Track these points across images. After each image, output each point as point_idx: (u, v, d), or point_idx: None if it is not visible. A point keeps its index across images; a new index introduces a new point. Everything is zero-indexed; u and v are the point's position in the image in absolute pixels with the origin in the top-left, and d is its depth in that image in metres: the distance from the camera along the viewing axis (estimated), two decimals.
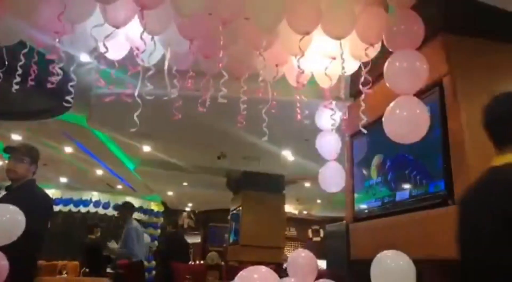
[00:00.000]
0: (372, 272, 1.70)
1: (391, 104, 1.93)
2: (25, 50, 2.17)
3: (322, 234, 13.72)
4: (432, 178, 2.18)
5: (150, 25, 1.95)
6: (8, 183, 2.72)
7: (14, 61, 2.17)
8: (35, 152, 2.87)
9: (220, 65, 2.15)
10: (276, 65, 2.41)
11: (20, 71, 2.16)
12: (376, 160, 2.78)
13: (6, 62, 2.20)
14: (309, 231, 14.28)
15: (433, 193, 2.16)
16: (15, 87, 2.15)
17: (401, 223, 2.37)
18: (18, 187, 2.66)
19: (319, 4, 2.03)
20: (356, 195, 3.02)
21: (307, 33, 2.03)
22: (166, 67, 2.33)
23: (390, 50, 2.03)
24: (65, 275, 7.20)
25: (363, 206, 2.89)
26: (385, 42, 2.06)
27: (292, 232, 14.03)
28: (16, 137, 6.51)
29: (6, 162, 2.74)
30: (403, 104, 1.92)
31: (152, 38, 2.06)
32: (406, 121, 1.90)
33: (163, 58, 2.35)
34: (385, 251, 1.71)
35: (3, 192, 2.71)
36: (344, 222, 3.24)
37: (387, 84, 2.00)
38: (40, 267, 6.16)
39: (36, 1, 1.95)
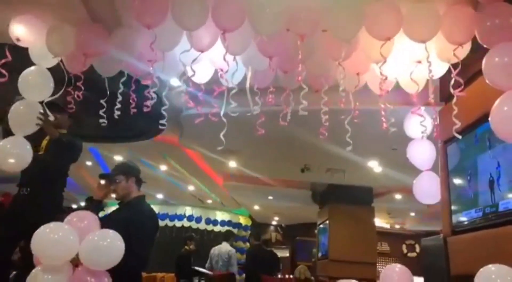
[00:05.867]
0: None
1: (497, 102, 1.78)
2: (123, 79, 2.42)
3: (418, 250, 12.82)
4: None
5: (231, 47, 2.06)
6: None
7: (114, 89, 2.43)
8: (125, 166, 2.93)
9: (300, 78, 2.18)
10: (357, 74, 2.37)
11: (120, 98, 2.41)
12: (474, 167, 2.56)
13: (108, 92, 2.48)
14: (403, 246, 13.45)
15: None
16: (117, 113, 2.40)
17: (506, 235, 2.14)
18: (127, 203, 2.79)
19: (399, 8, 1.97)
20: (453, 206, 2.80)
21: (389, 38, 1.98)
22: (248, 85, 2.43)
23: (485, 46, 1.89)
24: None
25: (462, 218, 2.66)
26: (479, 39, 1.93)
27: (384, 247, 13.33)
28: (118, 158, 7.19)
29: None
30: (510, 101, 1.76)
31: (234, 58, 2.17)
32: None
33: (245, 77, 2.46)
34: (489, 265, 1.56)
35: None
36: (441, 235, 3.02)
37: (487, 81, 1.86)
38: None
39: (132, 33, 2.18)
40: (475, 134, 2.49)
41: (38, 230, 2.00)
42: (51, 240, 1.98)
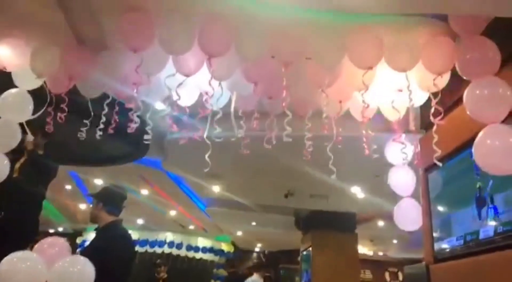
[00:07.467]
0: None
1: (480, 135, 1.81)
2: (108, 100, 2.40)
3: (401, 277, 12.76)
4: None
5: (217, 72, 2.08)
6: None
7: (97, 111, 2.40)
8: (103, 191, 2.91)
9: (284, 105, 2.20)
10: (340, 101, 2.40)
11: (103, 119, 2.38)
12: (454, 194, 2.59)
13: (92, 113, 2.44)
14: (386, 274, 13.38)
15: None
16: (99, 133, 2.36)
17: (487, 263, 2.15)
18: (100, 229, 2.75)
19: (381, 38, 2.03)
20: (435, 234, 2.81)
21: (370, 67, 2.03)
22: (232, 109, 2.43)
23: (465, 78, 1.94)
24: None
25: (444, 245, 2.67)
26: (459, 71, 1.98)
27: (367, 275, 13.23)
28: (98, 181, 7.05)
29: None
30: (493, 134, 1.80)
31: (219, 83, 2.18)
32: (500, 151, 1.76)
33: (229, 101, 2.47)
34: None
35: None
36: (424, 263, 3.01)
37: (469, 114, 1.90)
38: None
39: (118, 57, 2.18)
40: (456, 162, 2.54)
41: (4, 259, 1.91)
42: (18, 269, 1.89)
